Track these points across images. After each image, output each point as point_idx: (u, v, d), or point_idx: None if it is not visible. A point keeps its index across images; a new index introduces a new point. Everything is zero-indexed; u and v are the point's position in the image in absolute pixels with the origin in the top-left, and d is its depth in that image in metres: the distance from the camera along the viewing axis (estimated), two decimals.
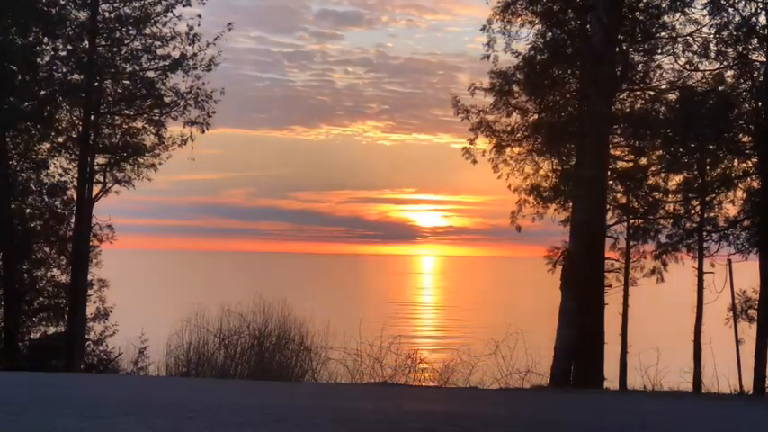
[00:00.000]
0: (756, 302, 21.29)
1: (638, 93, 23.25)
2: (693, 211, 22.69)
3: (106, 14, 25.95)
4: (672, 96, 22.70)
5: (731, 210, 22.34)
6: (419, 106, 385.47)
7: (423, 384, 17.42)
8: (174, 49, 25.65)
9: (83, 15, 25.96)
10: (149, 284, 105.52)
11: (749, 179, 22.19)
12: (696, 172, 22.42)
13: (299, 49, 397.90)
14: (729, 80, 21.74)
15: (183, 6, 25.81)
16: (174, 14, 25.67)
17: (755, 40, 21.42)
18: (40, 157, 26.32)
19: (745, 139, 22.26)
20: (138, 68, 25.92)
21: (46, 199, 26.51)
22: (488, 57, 22.72)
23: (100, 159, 26.01)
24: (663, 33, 22.65)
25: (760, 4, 21.31)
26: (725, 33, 21.40)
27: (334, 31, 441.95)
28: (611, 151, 22.86)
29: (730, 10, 21.31)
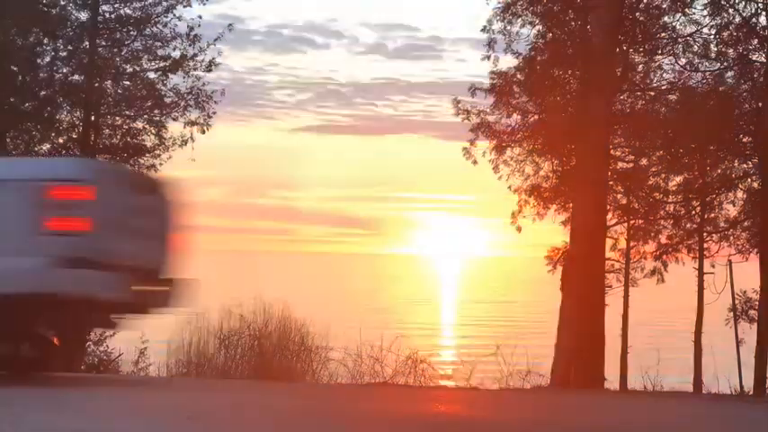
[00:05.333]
0: (757, 303, 21.32)
1: (639, 93, 23.25)
2: (694, 212, 22.72)
3: (107, 15, 25.97)
4: (672, 97, 22.72)
5: (732, 210, 22.39)
6: (344, 96, 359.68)
7: (423, 385, 17.40)
8: (174, 49, 25.68)
9: (83, 16, 25.96)
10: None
11: (749, 180, 22.23)
12: (696, 172, 22.46)
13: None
14: (730, 80, 21.78)
15: (184, 7, 25.85)
16: (174, 15, 25.71)
17: (756, 41, 21.44)
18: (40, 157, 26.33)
19: (746, 139, 22.29)
20: (138, 69, 25.94)
21: None
22: (488, 57, 22.75)
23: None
24: (663, 34, 22.67)
25: (760, 4, 21.34)
26: (725, 34, 21.44)
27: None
28: (612, 152, 22.86)
29: (730, 10, 21.35)
